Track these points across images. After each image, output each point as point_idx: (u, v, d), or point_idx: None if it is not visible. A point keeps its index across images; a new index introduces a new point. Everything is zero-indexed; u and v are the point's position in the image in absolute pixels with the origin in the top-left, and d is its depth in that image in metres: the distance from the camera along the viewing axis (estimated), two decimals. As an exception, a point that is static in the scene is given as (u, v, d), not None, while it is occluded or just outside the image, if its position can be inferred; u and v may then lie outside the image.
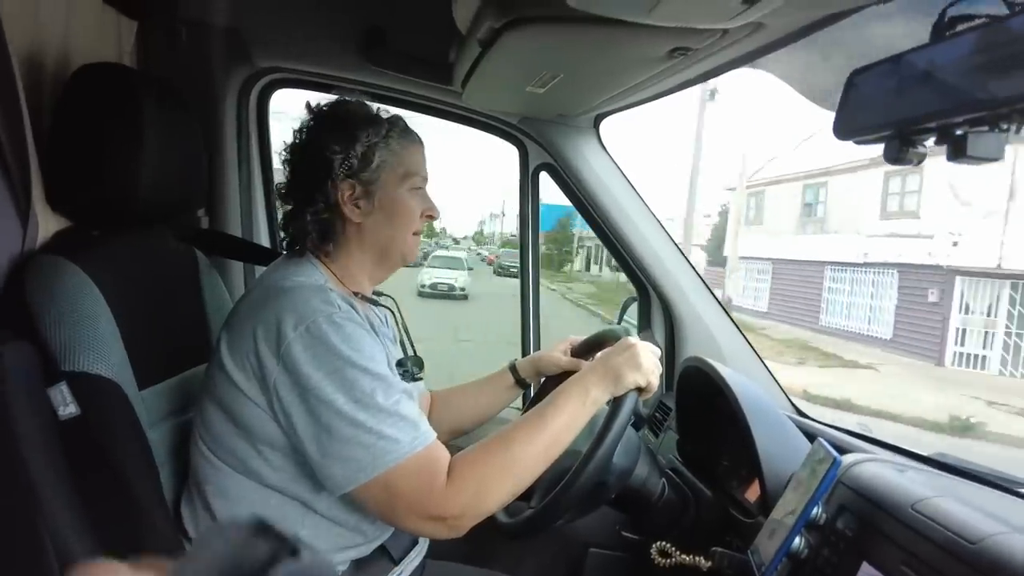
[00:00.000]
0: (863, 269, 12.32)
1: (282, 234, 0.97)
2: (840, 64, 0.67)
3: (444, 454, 0.81)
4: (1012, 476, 0.85)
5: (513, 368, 1.19)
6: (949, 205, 10.45)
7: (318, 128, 0.93)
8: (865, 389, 8.37)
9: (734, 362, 1.33)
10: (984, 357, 10.50)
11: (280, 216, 1.01)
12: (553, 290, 19.58)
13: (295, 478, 0.85)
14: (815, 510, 0.75)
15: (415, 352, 1.06)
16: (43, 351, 0.80)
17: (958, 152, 0.53)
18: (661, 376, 0.93)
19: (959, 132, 0.53)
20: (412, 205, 0.95)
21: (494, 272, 24.40)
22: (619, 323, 1.61)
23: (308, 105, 0.95)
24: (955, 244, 10.39)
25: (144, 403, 0.91)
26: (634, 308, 1.57)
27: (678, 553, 0.93)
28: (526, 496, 0.89)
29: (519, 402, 1.33)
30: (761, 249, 15.01)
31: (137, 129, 0.92)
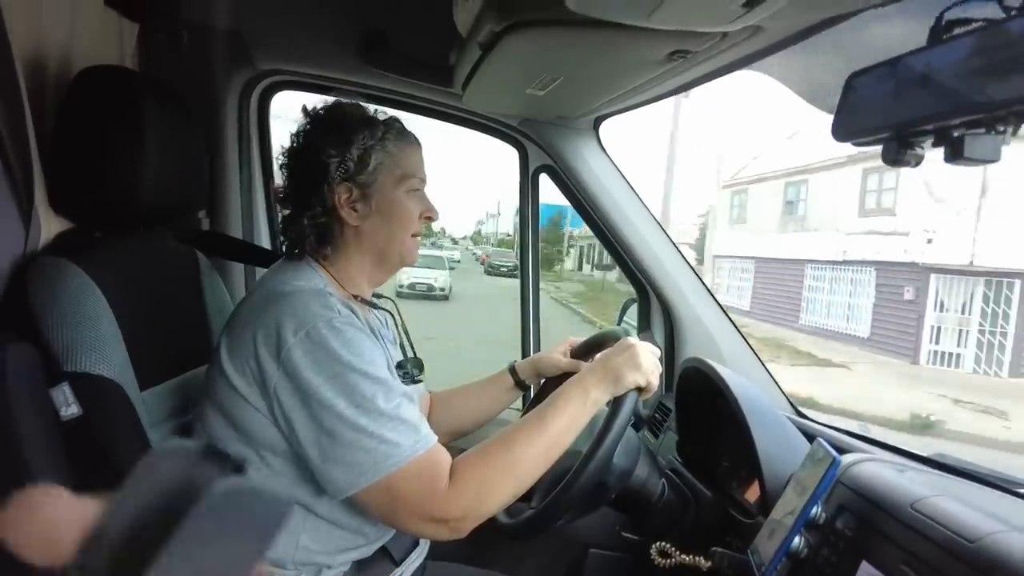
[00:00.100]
0: (842, 267, 12.26)
1: (281, 238, 0.97)
2: (839, 67, 0.67)
3: (445, 457, 0.81)
4: (1011, 476, 0.86)
5: (513, 370, 1.20)
6: (924, 202, 10.38)
7: (314, 132, 0.93)
8: (833, 388, 8.35)
9: (733, 363, 1.34)
10: (959, 355, 10.45)
11: (279, 220, 1.01)
12: (542, 289, 19.59)
13: (296, 482, 0.85)
14: (814, 510, 0.75)
15: (415, 354, 1.07)
16: (45, 352, 0.80)
17: (956, 154, 0.53)
18: (661, 377, 0.93)
19: (956, 134, 0.54)
20: (410, 207, 0.95)
21: (485, 271, 24.40)
22: (619, 324, 1.61)
23: (304, 109, 0.95)
24: (929, 241, 10.32)
25: (145, 404, 0.91)
26: (634, 309, 1.57)
27: (678, 553, 0.94)
28: (526, 497, 0.89)
29: (519, 403, 1.33)
30: (744, 247, 14.94)
31: (139, 131, 0.93)
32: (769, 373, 1.37)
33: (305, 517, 0.87)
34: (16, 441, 0.73)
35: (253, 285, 1.38)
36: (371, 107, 0.97)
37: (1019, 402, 8.14)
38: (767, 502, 0.88)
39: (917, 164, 0.59)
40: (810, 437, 0.90)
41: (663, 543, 0.96)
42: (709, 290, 1.47)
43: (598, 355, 1.03)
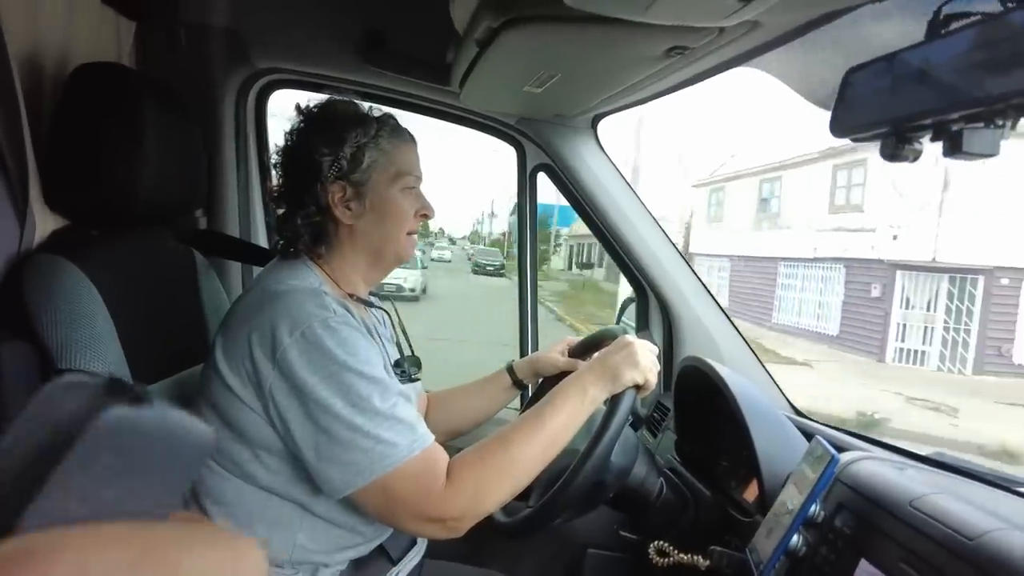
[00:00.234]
0: (813, 264, 12.16)
1: (276, 237, 0.96)
2: (837, 63, 0.67)
3: (442, 456, 0.81)
4: (1010, 475, 0.85)
5: (510, 369, 1.19)
6: (889, 197, 10.25)
7: (306, 130, 0.92)
8: (789, 387, 8.32)
9: (732, 362, 1.33)
10: (924, 353, 10.38)
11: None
12: None
13: (292, 481, 0.85)
14: (813, 508, 0.75)
15: (412, 352, 1.06)
16: (40, 350, 0.80)
17: (954, 149, 0.53)
18: (659, 375, 0.93)
19: (955, 129, 0.54)
20: (404, 205, 0.94)
21: (471, 271, 24.41)
22: (617, 323, 1.61)
23: (297, 107, 0.95)
24: (895, 237, 10.20)
25: None
26: (632, 308, 1.57)
27: (676, 552, 0.93)
28: (524, 495, 0.89)
29: (516, 403, 1.33)
30: (721, 245, 14.83)
31: (136, 129, 0.92)
32: (768, 372, 1.36)
33: (302, 516, 0.87)
34: None
35: (250, 284, 1.37)
36: (365, 104, 0.96)
37: (976, 399, 8.13)
38: (766, 501, 0.88)
39: (916, 159, 0.59)
40: (809, 436, 0.89)
41: (661, 542, 0.96)
42: (708, 289, 1.47)
43: (596, 354, 1.02)
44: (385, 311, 1.07)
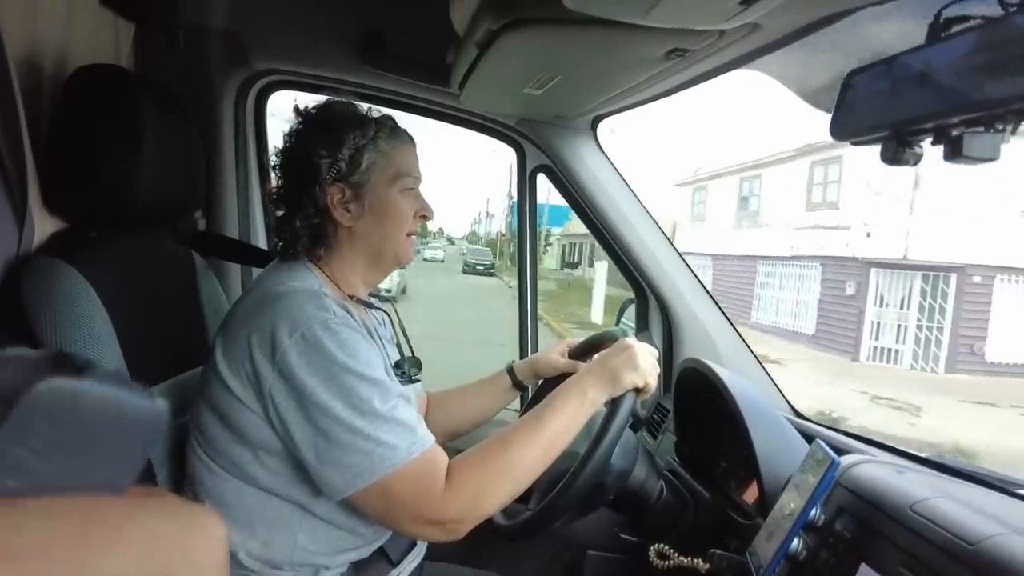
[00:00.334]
0: (791, 263, 12.06)
1: (275, 239, 0.96)
2: (837, 65, 0.67)
3: (442, 458, 0.81)
4: (1011, 477, 0.85)
5: (510, 370, 1.19)
6: (863, 195, 10.16)
7: (305, 132, 0.92)
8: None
9: (732, 364, 1.33)
10: (898, 351, 10.31)
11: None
12: (511, 287, 19.50)
13: (293, 482, 0.84)
14: (813, 511, 0.75)
15: (412, 353, 1.06)
16: None
17: (955, 153, 0.53)
18: (659, 377, 0.93)
19: (955, 133, 0.54)
20: (404, 206, 0.94)
21: (462, 270, 24.37)
22: (617, 324, 1.60)
23: (296, 108, 0.94)
24: (868, 235, 10.11)
25: None
26: (632, 310, 1.57)
27: (676, 555, 0.93)
28: (524, 498, 0.89)
29: (516, 404, 1.33)
30: (703, 244, 14.76)
31: (135, 131, 0.92)
32: (767, 374, 1.36)
33: (302, 517, 0.87)
34: None
35: (249, 285, 1.37)
36: (364, 106, 0.96)
37: (945, 397, 8.12)
38: (766, 503, 0.88)
39: (916, 163, 0.59)
40: (809, 438, 0.89)
41: (661, 544, 0.96)
42: (707, 290, 1.47)
43: (596, 356, 1.02)
44: (385, 312, 1.07)
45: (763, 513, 0.86)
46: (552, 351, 1.18)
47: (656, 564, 0.95)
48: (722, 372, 1.06)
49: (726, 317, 1.44)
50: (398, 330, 1.07)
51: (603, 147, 1.45)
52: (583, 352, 1.14)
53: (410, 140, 0.96)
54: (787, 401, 1.31)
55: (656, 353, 0.93)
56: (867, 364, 10.27)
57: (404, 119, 0.98)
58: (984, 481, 0.85)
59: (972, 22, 0.53)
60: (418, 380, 1.05)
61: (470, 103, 1.31)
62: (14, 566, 0.20)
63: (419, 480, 0.78)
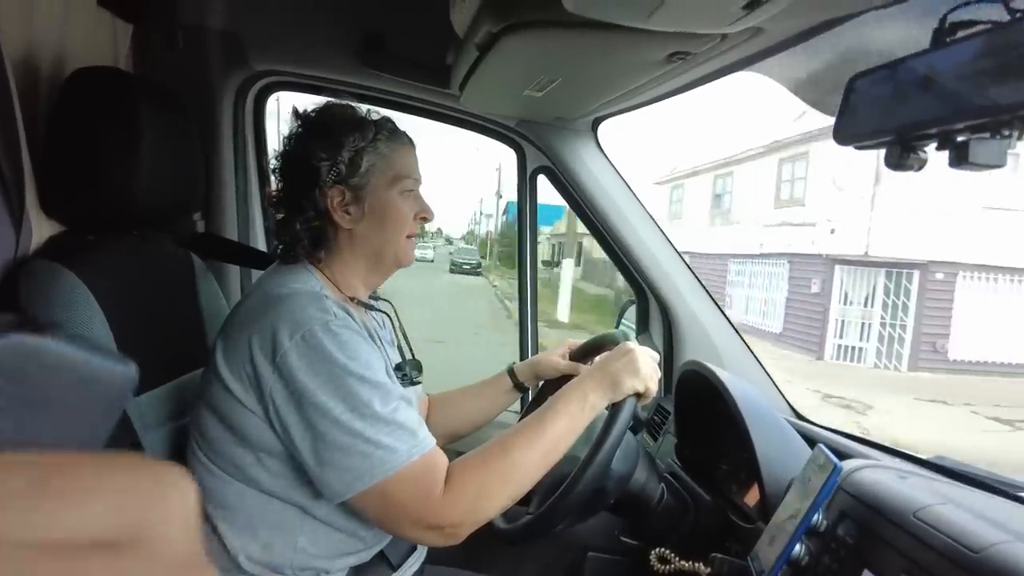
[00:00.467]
0: (760, 260, 11.98)
1: (276, 242, 0.96)
2: (840, 69, 0.66)
3: (442, 461, 0.81)
4: (1015, 481, 0.85)
5: (511, 372, 1.19)
6: (828, 191, 10.06)
7: (304, 135, 0.92)
8: None
9: (732, 366, 1.33)
10: (862, 349, 10.23)
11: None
12: (495, 286, 19.45)
13: (293, 484, 0.84)
14: (816, 517, 0.75)
15: (413, 355, 1.06)
16: None
17: (960, 159, 0.53)
18: (660, 380, 0.92)
19: (960, 139, 0.53)
20: (404, 208, 0.94)
21: (449, 269, 24.30)
22: (617, 326, 1.60)
23: (295, 111, 0.94)
24: (832, 231, 10.02)
25: (141, 408, 0.90)
26: (632, 311, 1.57)
27: (677, 559, 0.93)
28: (524, 501, 0.88)
29: (516, 405, 1.32)
30: (679, 244, 14.50)
31: (133, 133, 0.91)
32: (769, 376, 1.36)
33: (303, 519, 0.86)
34: None
35: (249, 288, 1.37)
36: (363, 108, 0.96)
37: (899, 395, 8.09)
38: (767, 507, 0.88)
39: (920, 168, 0.58)
40: (810, 441, 0.89)
41: (662, 548, 0.95)
42: (708, 291, 1.46)
43: (597, 358, 1.02)
44: (386, 313, 1.06)
45: (764, 516, 0.86)
46: (553, 353, 1.18)
47: (657, 568, 0.95)
48: (723, 374, 1.06)
49: (727, 318, 1.43)
50: (398, 332, 1.07)
51: (603, 148, 1.45)
52: (584, 354, 1.14)
53: (409, 142, 0.96)
54: (788, 403, 1.30)
55: (657, 357, 0.93)
56: (831, 363, 10.19)
57: (401, 120, 0.98)
58: (988, 486, 0.84)
59: (978, 27, 0.53)
60: (419, 382, 1.04)
61: (470, 105, 1.31)
62: None
63: (419, 483, 0.78)
